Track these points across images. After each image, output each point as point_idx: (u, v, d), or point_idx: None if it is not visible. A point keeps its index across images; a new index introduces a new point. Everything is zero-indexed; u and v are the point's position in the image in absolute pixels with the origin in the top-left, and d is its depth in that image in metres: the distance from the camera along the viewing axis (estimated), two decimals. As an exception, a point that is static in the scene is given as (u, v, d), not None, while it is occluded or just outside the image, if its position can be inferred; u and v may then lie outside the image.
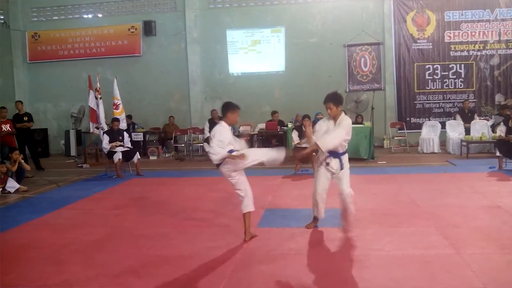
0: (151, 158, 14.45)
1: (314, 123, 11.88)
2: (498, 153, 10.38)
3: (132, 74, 16.50)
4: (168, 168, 12.61)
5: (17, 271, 4.80)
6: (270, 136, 13.69)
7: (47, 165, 13.12)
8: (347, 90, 15.48)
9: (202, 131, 14.53)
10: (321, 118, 13.16)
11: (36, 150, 13.28)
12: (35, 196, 9.08)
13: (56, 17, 17.23)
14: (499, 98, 15.13)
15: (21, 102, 13.25)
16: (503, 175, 9.59)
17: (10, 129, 11.88)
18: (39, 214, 7.37)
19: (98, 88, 12.69)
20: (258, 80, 16.05)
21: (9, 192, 9.26)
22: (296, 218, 6.62)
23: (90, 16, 17.07)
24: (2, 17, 17.30)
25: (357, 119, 14.01)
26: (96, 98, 12.67)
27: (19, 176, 9.88)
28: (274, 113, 14.26)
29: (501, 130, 10.42)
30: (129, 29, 16.55)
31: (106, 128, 12.29)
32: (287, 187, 9.27)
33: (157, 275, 4.59)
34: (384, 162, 12.16)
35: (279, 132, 13.31)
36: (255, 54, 16.14)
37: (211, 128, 12.50)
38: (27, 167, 10.24)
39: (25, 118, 12.73)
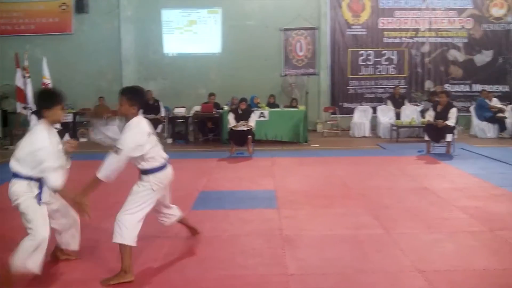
0: (81, 140, 14.00)
1: (250, 106, 11.92)
2: (426, 138, 10.72)
3: (63, 53, 15.80)
4: (99, 151, 12.19)
5: None
6: (206, 119, 13.52)
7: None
8: (283, 74, 15.58)
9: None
10: (258, 102, 13.32)
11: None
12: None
13: (-20, -10, 16.24)
14: (428, 84, 15.65)
15: None
16: (431, 159, 9.96)
17: None
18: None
19: (26, 67, 12.15)
20: (194, 61, 15.77)
21: None
22: (230, 200, 6.62)
23: (17, -10, 16.21)
24: None
25: (292, 103, 14.11)
26: (24, 77, 12.15)
27: None
28: (211, 95, 13.99)
29: (430, 115, 10.76)
30: (60, 6, 15.83)
31: (34, 108, 11.77)
32: (222, 169, 9.23)
33: (89, 260, 4.46)
34: (317, 145, 12.33)
35: (215, 115, 13.17)
36: (191, 34, 15.86)
37: (145, 110, 12.33)
38: None
39: None
